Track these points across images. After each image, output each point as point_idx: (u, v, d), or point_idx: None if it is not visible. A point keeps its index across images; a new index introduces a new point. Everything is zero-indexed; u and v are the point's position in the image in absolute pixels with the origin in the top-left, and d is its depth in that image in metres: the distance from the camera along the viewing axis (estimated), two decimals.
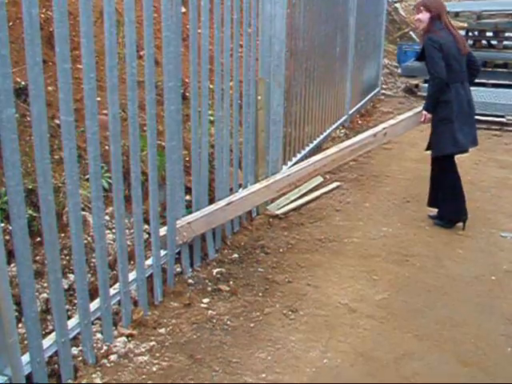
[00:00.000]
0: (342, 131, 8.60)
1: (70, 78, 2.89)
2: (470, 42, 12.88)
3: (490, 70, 12.01)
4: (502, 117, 9.69)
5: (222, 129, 4.68)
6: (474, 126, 5.35)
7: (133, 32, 3.39)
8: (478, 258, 4.88)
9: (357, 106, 9.89)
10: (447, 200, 5.37)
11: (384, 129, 5.68)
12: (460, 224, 5.41)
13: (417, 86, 12.30)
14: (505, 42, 12.37)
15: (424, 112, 5.35)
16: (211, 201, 4.61)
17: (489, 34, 12.69)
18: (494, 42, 12.68)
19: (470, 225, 5.41)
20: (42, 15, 4.83)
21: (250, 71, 5.11)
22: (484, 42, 12.84)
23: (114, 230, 3.80)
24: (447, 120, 5.17)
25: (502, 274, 4.61)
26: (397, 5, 23.95)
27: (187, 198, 4.45)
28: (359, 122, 9.58)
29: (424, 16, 5.19)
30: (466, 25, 13.21)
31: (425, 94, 11.07)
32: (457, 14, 12.80)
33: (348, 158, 5.68)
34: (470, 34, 13.03)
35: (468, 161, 7.46)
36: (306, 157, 6.76)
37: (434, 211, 5.57)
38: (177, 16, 3.85)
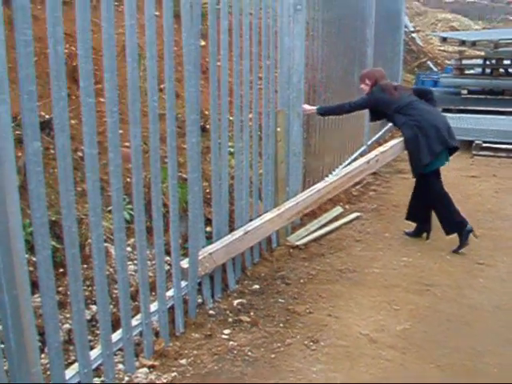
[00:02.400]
0: None
1: (93, 112, 2.96)
2: (488, 70, 12.95)
3: (508, 98, 12.03)
4: None
5: (242, 160, 4.73)
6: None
7: (154, 66, 3.46)
8: (500, 287, 4.84)
9: (375, 137, 9.92)
10: (443, 216, 5.60)
11: (376, 156, 6.13)
12: (480, 253, 5.42)
13: None
14: None
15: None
16: (231, 232, 4.63)
17: (506, 62, 12.74)
18: (511, 70, 12.73)
19: (490, 254, 5.40)
20: (66, 50, 4.92)
21: (270, 103, 5.18)
22: (502, 70, 12.88)
23: (135, 262, 3.83)
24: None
25: None
26: (414, 35, 24.09)
27: (208, 229, 4.48)
28: None
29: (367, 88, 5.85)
30: (483, 53, 13.26)
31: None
32: (474, 43, 12.82)
33: (347, 185, 6.07)
34: (488, 62, 13.09)
35: (488, 189, 7.47)
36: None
37: (412, 227, 5.93)
38: (196, 50, 3.91)
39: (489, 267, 5.21)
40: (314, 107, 5.97)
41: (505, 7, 33.01)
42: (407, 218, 5.96)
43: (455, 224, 5.55)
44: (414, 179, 5.78)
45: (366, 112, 8.98)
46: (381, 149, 6.36)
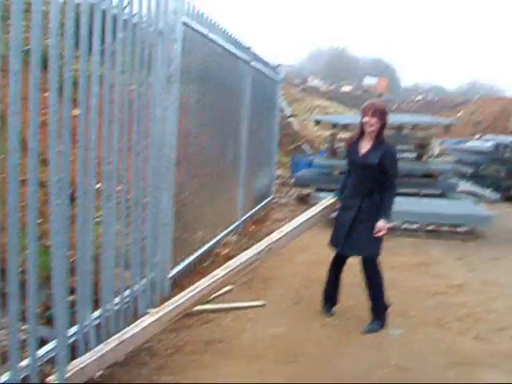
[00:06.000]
0: (234, 237, 8.68)
1: None
2: None
3: None
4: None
5: (108, 229, 4.63)
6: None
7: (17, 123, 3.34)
8: (367, 354, 4.94)
9: (249, 213, 10.08)
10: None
11: (268, 245, 5.51)
12: (354, 321, 5.59)
13: (308, 194, 12.70)
14: None
15: (385, 224, 5.36)
16: (96, 302, 4.48)
17: None
18: None
19: (362, 324, 5.52)
20: None
21: (139, 172, 5.14)
22: None
23: None
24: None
25: (391, 367, 4.70)
26: (291, 119, 25.03)
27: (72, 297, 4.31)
28: (252, 228, 9.73)
29: (377, 123, 5.29)
30: None
31: (316, 202, 11.50)
32: (345, 126, 13.42)
33: (234, 278, 5.40)
34: None
35: None
36: (196, 262, 6.81)
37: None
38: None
39: (358, 336, 5.34)
40: (384, 223, 5.33)
41: (377, 98, 35.19)
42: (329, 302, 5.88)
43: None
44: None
45: (241, 186, 9.20)
46: (274, 236, 5.65)
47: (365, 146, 5.39)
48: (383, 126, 5.32)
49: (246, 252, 5.48)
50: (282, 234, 5.65)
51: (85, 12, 4.04)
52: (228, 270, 5.15)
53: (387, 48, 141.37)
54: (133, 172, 5.07)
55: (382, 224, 5.30)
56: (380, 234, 5.33)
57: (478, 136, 23.12)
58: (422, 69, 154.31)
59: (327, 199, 5.97)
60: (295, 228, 5.73)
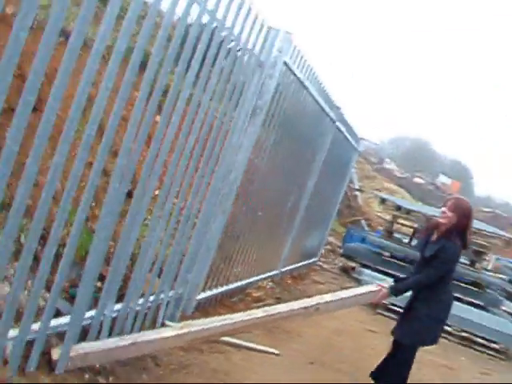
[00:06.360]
0: (270, 283, 8.64)
1: None
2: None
3: None
4: None
5: (153, 234, 4.70)
6: None
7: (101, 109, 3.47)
8: None
9: (291, 267, 10.03)
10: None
11: (317, 304, 5.16)
12: None
13: (353, 268, 12.60)
14: None
15: (385, 293, 5.18)
16: (121, 297, 4.53)
17: None
18: None
19: None
20: None
21: (199, 192, 5.23)
22: None
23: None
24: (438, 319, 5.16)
25: None
26: (357, 193, 25.02)
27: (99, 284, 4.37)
28: (289, 281, 9.67)
29: (452, 218, 4.99)
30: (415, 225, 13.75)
31: (359, 277, 11.38)
32: (408, 212, 13.42)
33: (269, 325, 5.38)
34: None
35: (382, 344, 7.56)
36: (225, 294, 6.80)
37: None
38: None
39: None
40: (388, 291, 5.14)
41: (446, 197, 34.90)
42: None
43: None
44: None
45: (290, 237, 9.19)
46: (326, 297, 5.30)
47: (432, 238, 5.16)
48: (459, 225, 4.99)
49: (290, 303, 5.30)
50: (336, 298, 5.32)
51: (193, 32, 4.27)
52: (266, 313, 4.98)
53: (468, 152, 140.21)
54: (193, 190, 5.15)
55: (384, 291, 5.13)
56: (375, 301, 5.28)
57: None
58: (497, 181, 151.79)
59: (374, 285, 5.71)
60: (347, 298, 5.39)
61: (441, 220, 5.04)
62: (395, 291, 5.15)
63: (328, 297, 5.31)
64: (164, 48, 3.93)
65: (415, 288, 5.13)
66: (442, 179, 66.07)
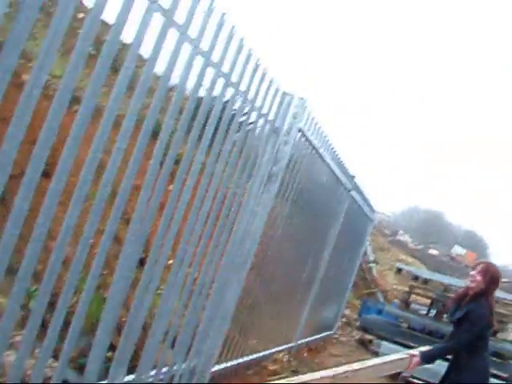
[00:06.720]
0: (286, 356, 8.39)
1: None
2: (433, 311, 13.18)
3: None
4: None
5: (166, 303, 4.56)
6: None
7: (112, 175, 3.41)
8: None
9: (307, 339, 9.76)
10: None
11: (345, 372, 4.97)
12: None
13: (371, 341, 12.29)
14: None
15: (418, 361, 5.10)
16: (132, 368, 4.35)
17: None
18: None
19: None
20: None
21: (213, 261, 5.11)
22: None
23: None
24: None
25: None
26: (372, 265, 24.74)
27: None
28: (305, 354, 9.41)
29: (480, 283, 4.98)
30: (432, 295, 13.52)
31: (377, 350, 11.12)
32: (426, 281, 13.28)
33: None
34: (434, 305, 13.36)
35: None
36: (240, 367, 6.58)
37: None
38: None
39: None
40: (419, 359, 5.09)
41: (462, 268, 34.40)
42: None
43: None
44: None
45: (306, 310, 8.99)
46: (355, 365, 5.20)
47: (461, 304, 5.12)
48: (487, 290, 4.99)
49: (320, 372, 5.21)
50: (365, 365, 5.22)
51: (205, 105, 4.25)
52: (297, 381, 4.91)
53: (483, 222, 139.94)
54: (207, 260, 5.02)
55: (416, 358, 5.05)
56: (409, 369, 5.15)
57: None
58: None
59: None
60: (376, 366, 5.29)
61: (470, 284, 5.01)
62: (427, 358, 5.06)
63: (357, 365, 5.21)
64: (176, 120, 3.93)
65: (447, 353, 5.14)
66: (457, 250, 65.82)
